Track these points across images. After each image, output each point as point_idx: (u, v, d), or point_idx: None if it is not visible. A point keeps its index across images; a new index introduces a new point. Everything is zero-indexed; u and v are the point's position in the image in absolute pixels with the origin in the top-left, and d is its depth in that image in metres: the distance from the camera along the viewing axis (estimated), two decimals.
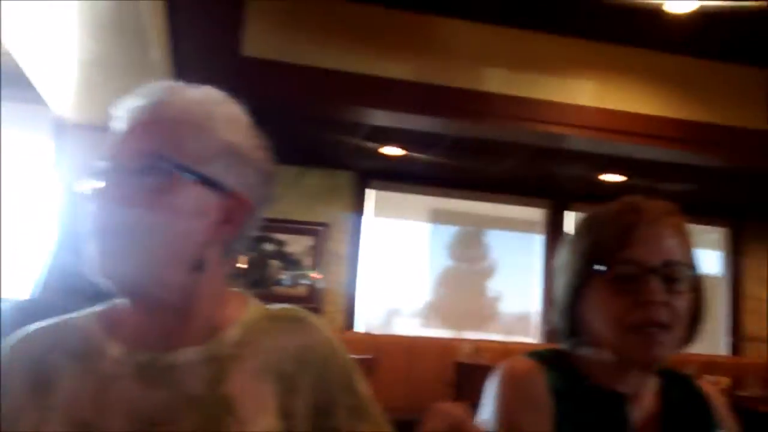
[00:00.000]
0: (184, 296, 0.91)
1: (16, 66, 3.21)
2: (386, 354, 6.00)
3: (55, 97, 3.64)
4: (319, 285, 6.16)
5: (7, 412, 0.89)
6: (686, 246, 1.14)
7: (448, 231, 6.86)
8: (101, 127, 0.99)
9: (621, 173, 5.58)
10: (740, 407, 5.46)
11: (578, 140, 4.77)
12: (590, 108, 4.64)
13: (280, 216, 5.77)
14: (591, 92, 4.68)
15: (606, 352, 1.12)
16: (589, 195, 5.43)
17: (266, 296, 1.08)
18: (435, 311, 6.65)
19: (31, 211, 3.98)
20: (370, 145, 5.32)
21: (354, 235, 6.34)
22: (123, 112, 0.93)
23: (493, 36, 4.57)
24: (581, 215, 1.24)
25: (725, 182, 5.77)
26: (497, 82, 4.52)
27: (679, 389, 1.22)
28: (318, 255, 6.21)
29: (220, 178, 0.91)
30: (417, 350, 6.14)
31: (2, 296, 2.50)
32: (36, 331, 0.96)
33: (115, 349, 0.93)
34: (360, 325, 6.30)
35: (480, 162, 5.65)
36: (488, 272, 6.86)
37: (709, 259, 7.07)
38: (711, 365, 6.27)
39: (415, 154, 5.53)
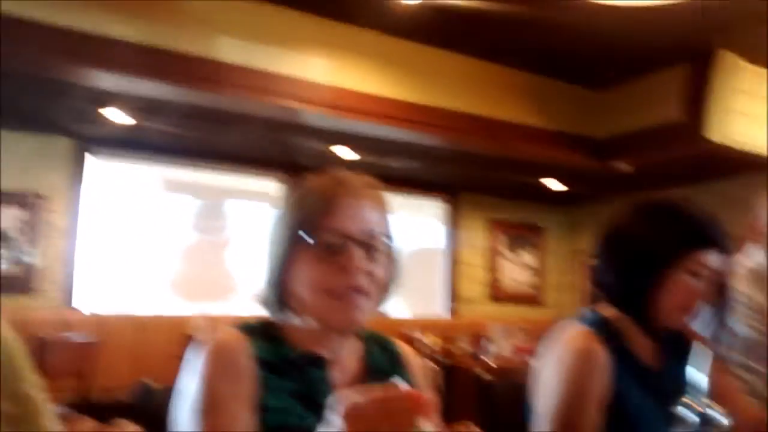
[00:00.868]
0: None
1: None
2: (113, 334, 5.67)
3: None
4: (35, 262, 5.57)
5: None
6: (385, 218, 1.21)
7: (186, 202, 6.61)
8: None
9: (352, 149, 5.82)
10: (448, 362, 6.14)
11: (311, 115, 4.86)
12: (323, 85, 4.75)
13: None
14: (324, 69, 4.79)
15: (310, 318, 1.16)
16: (322, 169, 5.57)
17: None
18: (175, 286, 6.39)
19: None
20: (92, 109, 4.89)
21: (74, 207, 5.82)
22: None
23: (227, 5, 4.45)
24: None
25: (444, 160, 6.31)
26: (231, 51, 4.42)
27: (380, 351, 1.29)
28: (33, 229, 5.60)
29: None
30: (149, 328, 5.87)
31: None
32: None
33: None
34: (86, 305, 5.83)
35: (215, 132, 5.51)
36: (227, 244, 6.77)
37: (434, 230, 7.75)
38: (431, 326, 6.91)
39: (146, 123, 5.21)
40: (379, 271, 1.16)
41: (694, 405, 1.15)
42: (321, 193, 1.16)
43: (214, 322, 5.64)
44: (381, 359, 1.28)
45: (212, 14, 4.35)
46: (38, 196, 5.65)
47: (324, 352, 1.18)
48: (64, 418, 2.80)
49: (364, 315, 1.15)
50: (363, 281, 1.13)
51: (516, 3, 4.35)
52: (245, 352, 1.12)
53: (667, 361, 1.50)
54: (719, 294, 1.44)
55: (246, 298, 6.41)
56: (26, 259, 5.57)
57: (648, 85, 5.83)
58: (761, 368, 1.62)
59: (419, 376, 1.31)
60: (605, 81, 5.99)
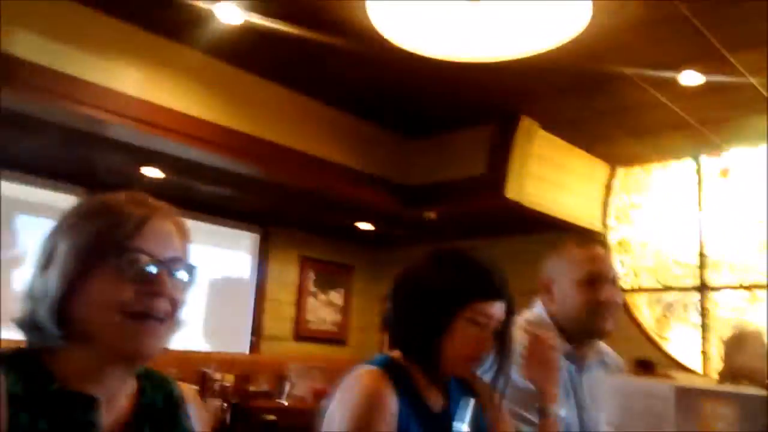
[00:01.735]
0: None
1: None
2: None
3: None
4: None
5: None
6: (187, 246, 1.17)
7: None
8: None
9: (160, 168, 5.52)
10: (237, 401, 5.91)
11: (117, 128, 4.54)
12: (133, 97, 4.47)
13: None
14: (136, 81, 4.51)
15: (94, 346, 1.06)
16: (128, 187, 5.22)
17: None
18: None
19: None
20: None
21: None
22: None
23: None
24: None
25: (257, 191, 6.19)
26: (27, 47, 4.01)
27: (155, 391, 1.18)
28: None
29: None
30: None
31: None
32: None
33: None
34: None
35: (5, 137, 4.96)
36: (17, 262, 6.06)
37: (243, 263, 7.53)
38: (230, 361, 6.65)
39: None
40: (180, 297, 1.12)
41: None
42: (128, 212, 1.10)
43: None
44: (156, 399, 1.16)
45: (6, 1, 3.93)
46: None
47: (97, 390, 1.07)
48: None
49: (161, 344, 1.09)
50: (165, 307, 1.09)
51: (339, 38, 4.40)
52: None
53: (452, 406, 1.52)
54: (501, 344, 1.50)
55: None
56: None
57: (458, 138, 6.18)
58: (534, 418, 1.70)
59: (196, 418, 1.21)
60: (420, 130, 6.25)
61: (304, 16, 4.19)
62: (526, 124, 5.86)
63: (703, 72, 4.72)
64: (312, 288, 7.95)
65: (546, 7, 3.47)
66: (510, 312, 1.49)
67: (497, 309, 1.47)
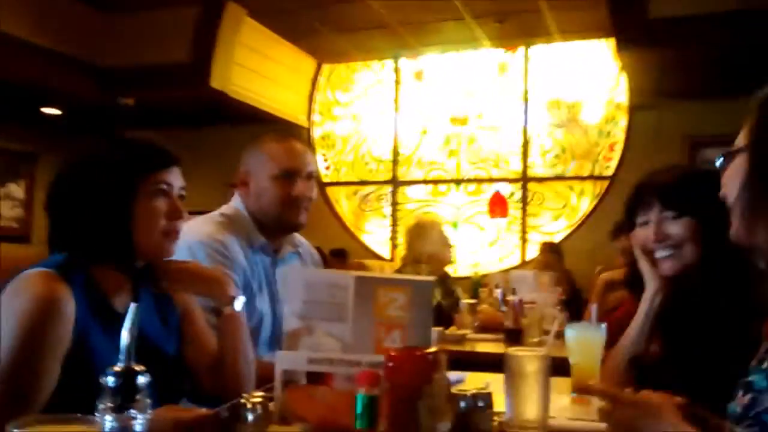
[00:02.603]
0: None
1: None
2: None
3: None
4: None
5: None
6: None
7: None
8: None
9: None
10: None
11: None
12: None
13: None
14: None
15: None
16: None
17: None
18: None
19: None
20: None
21: None
22: None
23: None
24: None
25: None
26: None
27: None
28: None
29: None
30: None
31: None
32: None
33: None
34: None
35: None
36: None
37: None
38: None
39: None
40: None
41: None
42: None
43: None
44: None
45: None
46: None
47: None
48: None
49: None
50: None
51: None
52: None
53: (141, 301, 1.43)
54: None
55: None
56: None
57: (161, 19, 5.69)
58: None
59: None
60: (118, 4, 5.63)
61: None
62: (233, 9, 5.60)
63: None
64: None
65: None
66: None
67: (176, 174, 1.42)
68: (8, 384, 1.20)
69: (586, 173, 6.76)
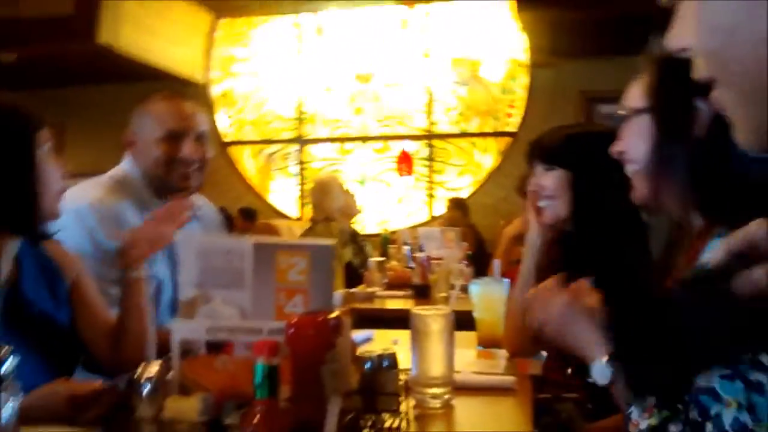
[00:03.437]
0: None
1: None
2: None
3: None
4: None
5: None
6: None
7: None
8: None
9: None
10: None
11: None
12: None
13: None
14: None
15: None
16: None
17: None
18: None
19: None
20: None
21: None
22: None
23: None
24: None
25: None
26: None
27: None
28: None
29: None
30: None
31: None
32: None
33: None
34: None
35: None
36: None
37: None
38: None
39: None
40: None
41: None
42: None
43: None
44: None
45: None
46: None
47: None
48: None
49: None
50: None
51: None
52: None
53: (26, 271, 1.34)
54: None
55: None
56: None
57: None
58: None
59: None
60: None
61: None
62: None
63: None
64: None
65: None
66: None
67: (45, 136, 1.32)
68: None
69: (489, 130, 6.88)
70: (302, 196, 7.20)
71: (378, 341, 1.88)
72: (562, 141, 1.62)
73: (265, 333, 0.96)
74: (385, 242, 4.40)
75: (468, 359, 1.59)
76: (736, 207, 0.86)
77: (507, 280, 1.75)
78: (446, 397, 1.21)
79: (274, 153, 7.37)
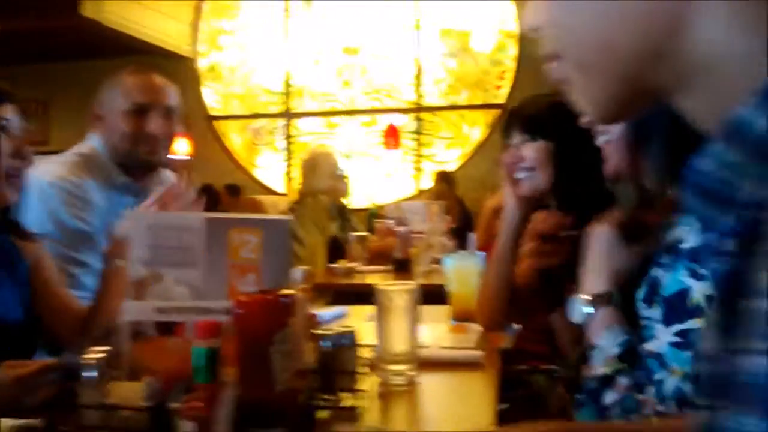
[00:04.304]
0: None
1: None
2: None
3: None
4: None
5: None
6: None
7: None
8: None
9: None
10: None
11: None
12: None
13: None
14: None
15: None
16: None
17: None
18: None
19: None
20: None
21: None
22: None
23: None
24: None
25: None
26: None
27: None
28: None
29: None
30: None
31: None
32: None
33: None
34: None
35: None
36: None
37: None
38: None
39: None
40: None
41: None
42: None
43: None
44: None
45: None
46: None
47: None
48: None
49: None
50: None
51: None
52: None
53: None
54: None
55: None
56: None
57: None
58: (86, 259, 1.57)
59: None
60: None
61: None
62: None
63: None
64: None
65: None
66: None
67: (12, 112, 1.27)
68: None
69: (478, 102, 6.81)
70: (289, 172, 7.15)
71: (353, 317, 1.86)
72: (544, 110, 1.53)
73: (217, 313, 0.94)
74: (372, 216, 4.37)
75: (439, 334, 1.57)
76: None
77: (482, 254, 1.72)
78: (410, 374, 1.19)
79: (260, 127, 7.31)
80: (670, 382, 0.77)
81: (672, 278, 0.85)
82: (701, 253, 0.82)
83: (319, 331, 1.04)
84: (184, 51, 6.87)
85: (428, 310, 1.47)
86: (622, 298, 0.98)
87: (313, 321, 1.10)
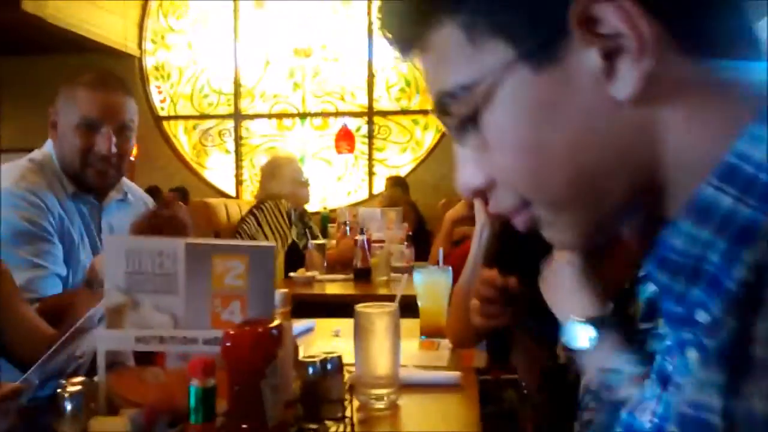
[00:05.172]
0: None
1: None
2: None
3: None
4: None
5: None
6: None
7: None
8: None
9: None
10: None
11: None
12: None
13: None
14: None
15: None
16: None
17: None
18: None
19: None
20: None
21: None
22: None
23: None
24: None
25: None
26: None
27: None
28: None
29: None
30: None
31: None
32: None
33: None
34: None
35: None
36: None
37: None
38: None
39: None
40: None
41: None
42: None
43: None
44: None
45: None
46: None
47: None
48: None
49: None
50: None
51: None
52: None
53: None
54: None
55: None
56: None
57: None
58: (42, 262, 1.51)
59: None
60: None
61: None
62: None
63: None
64: None
65: None
66: None
67: None
68: None
69: (430, 107, 6.83)
70: (239, 174, 7.03)
71: (319, 332, 1.83)
72: None
73: (200, 342, 0.90)
74: (325, 220, 4.33)
75: (411, 350, 1.56)
76: None
77: (450, 268, 1.72)
78: (392, 397, 1.17)
79: (209, 128, 7.16)
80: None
81: None
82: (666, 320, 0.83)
83: (306, 359, 1.01)
84: (130, 49, 6.69)
85: None
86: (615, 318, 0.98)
87: (297, 349, 1.07)
